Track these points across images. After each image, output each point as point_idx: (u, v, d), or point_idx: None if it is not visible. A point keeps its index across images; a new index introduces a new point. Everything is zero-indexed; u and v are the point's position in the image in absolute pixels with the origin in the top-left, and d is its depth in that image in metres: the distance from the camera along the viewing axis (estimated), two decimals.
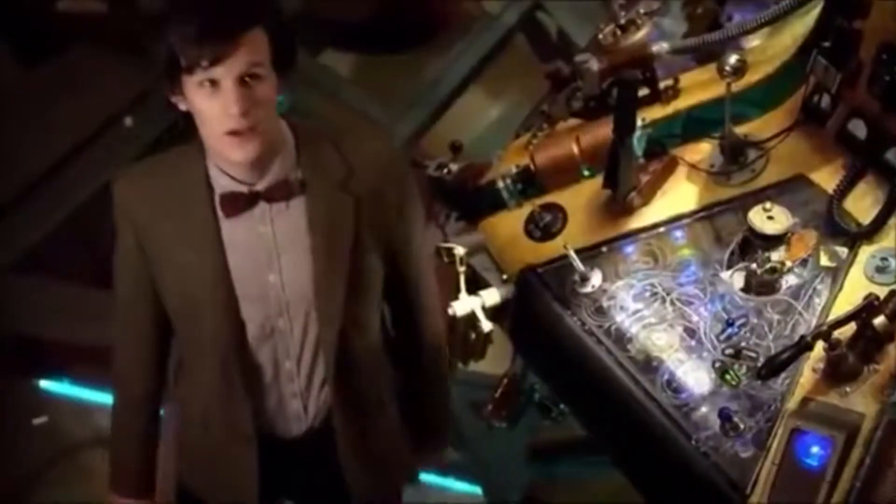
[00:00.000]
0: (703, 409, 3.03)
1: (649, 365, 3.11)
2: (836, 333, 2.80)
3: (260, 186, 2.72)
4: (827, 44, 3.08)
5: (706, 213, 3.25)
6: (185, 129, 2.71)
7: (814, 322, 3.01)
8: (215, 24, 2.50)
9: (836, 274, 3.05)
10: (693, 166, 3.30)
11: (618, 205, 3.31)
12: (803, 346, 2.81)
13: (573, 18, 5.69)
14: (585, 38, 5.53)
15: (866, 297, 2.81)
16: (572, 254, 3.21)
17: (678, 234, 3.26)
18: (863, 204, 3.07)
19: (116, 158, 5.11)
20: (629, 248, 3.28)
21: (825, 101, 3.14)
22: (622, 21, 3.69)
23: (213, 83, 2.53)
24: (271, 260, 2.77)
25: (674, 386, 3.07)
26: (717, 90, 3.37)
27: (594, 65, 3.45)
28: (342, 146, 2.78)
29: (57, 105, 5.44)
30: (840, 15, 3.03)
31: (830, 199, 3.08)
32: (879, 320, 2.78)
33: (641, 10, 3.70)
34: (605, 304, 3.21)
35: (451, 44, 6.14)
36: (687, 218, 3.26)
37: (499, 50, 5.94)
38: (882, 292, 2.89)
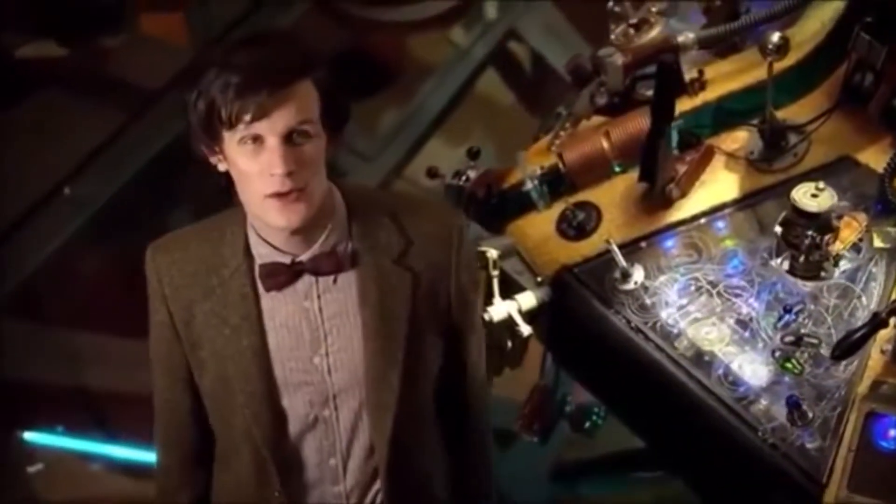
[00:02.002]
0: (764, 402, 2.90)
1: (701, 360, 2.99)
2: None
3: (304, 257, 2.44)
4: (869, 19, 2.98)
5: (749, 202, 3.15)
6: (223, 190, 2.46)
7: (873, 304, 2.89)
8: (260, 75, 2.25)
9: (893, 254, 2.94)
10: (731, 155, 3.18)
11: (655, 198, 3.19)
12: (878, 324, 2.70)
13: (550, 42, 5.62)
14: (561, 61, 5.58)
15: None
16: (615, 247, 3.08)
17: (720, 224, 3.15)
18: None
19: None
20: (669, 242, 3.16)
21: (867, 80, 3.04)
22: (634, 20, 3.59)
23: (257, 140, 2.28)
24: (317, 340, 2.48)
25: (730, 379, 2.95)
26: (745, 79, 3.31)
27: (618, 59, 3.35)
28: (400, 217, 2.50)
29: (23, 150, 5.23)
30: None
31: (882, 178, 2.99)
32: None
33: (653, 9, 3.60)
34: (648, 300, 3.08)
35: (411, 87, 6.04)
36: (729, 207, 3.16)
37: (473, 81, 5.85)
38: None
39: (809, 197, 2.91)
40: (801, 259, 2.93)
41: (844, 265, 2.97)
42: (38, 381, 4.51)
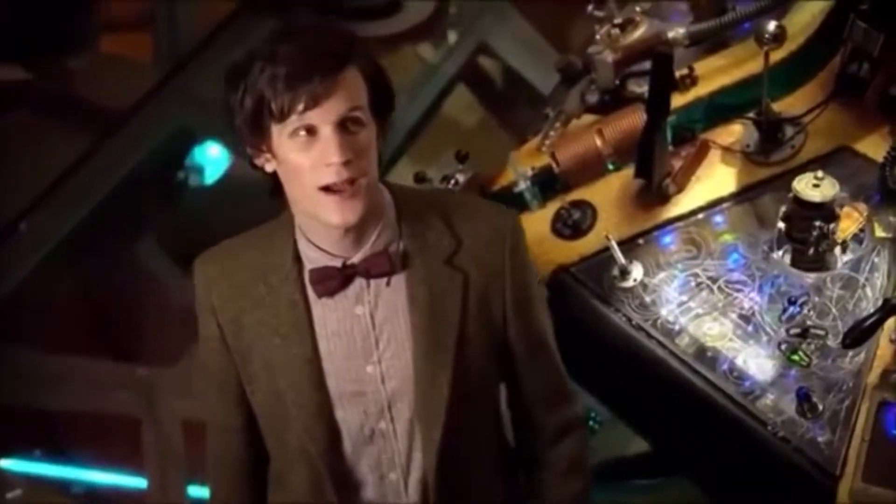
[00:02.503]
0: (771, 396, 2.87)
1: (704, 356, 2.95)
2: None
3: (356, 259, 2.37)
4: (864, 6, 2.95)
5: (747, 195, 3.12)
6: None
7: (878, 294, 2.86)
8: (310, 63, 2.21)
9: (895, 243, 2.91)
10: (727, 148, 3.14)
11: (651, 194, 3.14)
12: (889, 309, 2.66)
13: (522, 56, 5.58)
14: (535, 74, 5.55)
15: None
16: (614, 244, 3.03)
17: (718, 219, 3.11)
18: None
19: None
20: (667, 238, 3.12)
21: (863, 69, 3.01)
22: (618, 20, 3.54)
23: (310, 131, 2.23)
24: (369, 348, 2.40)
25: (735, 375, 2.91)
26: (737, 74, 3.29)
27: (608, 56, 3.31)
28: (450, 216, 2.43)
29: None
30: None
31: (882, 167, 2.96)
32: None
33: (638, 8, 3.57)
34: (647, 298, 3.04)
35: None
36: (726, 202, 3.12)
37: (443, 97, 5.79)
38: None
39: (812, 187, 2.87)
40: (810, 251, 2.88)
41: (847, 256, 2.93)
42: (14, 406, 4.39)
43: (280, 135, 2.25)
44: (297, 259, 2.40)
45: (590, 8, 3.59)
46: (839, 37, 3.06)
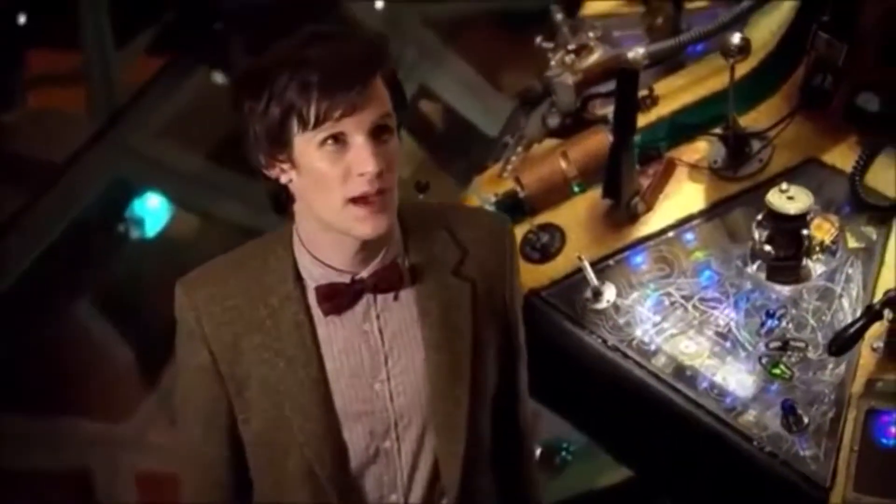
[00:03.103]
0: (754, 411, 2.82)
1: (683, 375, 2.89)
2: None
3: (365, 274, 2.28)
4: (826, 18, 2.95)
5: (716, 211, 3.07)
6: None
7: (855, 304, 2.83)
8: (347, 69, 2.12)
9: (869, 254, 2.90)
10: (694, 165, 3.11)
11: (620, 214, 3.10)
12: (873, 315, 2.62)
13: (463, 96, 5.56)
14: (477, 115, 5.53)
15: None
16: (586, 265, 2.98)
17: (689, 236, 3.07)
18: (886, 177, 2.94)
19: None
20: (639, 258, 3.07)
21: (827, 81, 3.01)
22: (572, 46, 3.52)
23: (340, 139, 2.14)
24: (377, 365, 2.32)
25: (716, 392, 2.86)
26: (698, 91, 3.29)
27: (568, 78, 3.28)
28: (452, 227, 2.38)
29: None
30: None
31: (852, 178, 2.94)
32: None
33: (591, 34, 3.55)
34: (621, 319, 2.98)
35: None
36: (697, 218, 3.08)
37: None
38: None
39: (786, 199, 2.84)
40: (785, 263, 2.85)
41: (821, 268, 2.90)
42: None
43: (307, 144, 2.16)
44: (298, 277, 2.31)
45: (538, 40, 3.57)
46: (801, 49, 3.05)
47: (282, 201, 2.28)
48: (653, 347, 2.94)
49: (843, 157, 3.00)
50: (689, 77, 3.34)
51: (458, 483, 2.36)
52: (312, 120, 2.12)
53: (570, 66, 3.34)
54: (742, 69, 3.09)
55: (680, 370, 2.89)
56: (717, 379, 2.86)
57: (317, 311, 2.30)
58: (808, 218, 2.86)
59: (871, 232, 2.92)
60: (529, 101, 3.38)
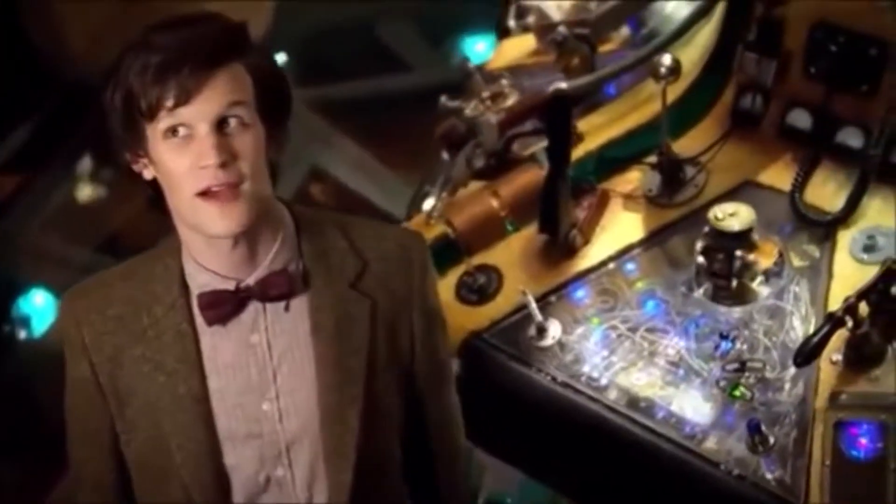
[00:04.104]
0: (715, 437, 2.73)
1: (638, 407, 2.78)
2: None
3: (251, 280, 2.11)
4: (751, 37, 2.94)
5: (656, 239, 3.01)
6: None
7: (806, 322, 2.77)
8: (182, 52, 1.97)
9: (814, 271, 2.85)
10: (629, 196, 3.05)
11: (558, 249, 3.02)
12: (836, 322, 2.56)
13: (356, 176, 5.49)
14: (372, 191, 5.45)
15: (884, 264, 2.59)
16: (531, 299, 2.87)
17: (630, 266, 2.99)
18: (825, 192, 2.92)
19: None
20: (580, 292, 2.98)
21: (756, 102, 2.99)
22: (486, 94, 3.46)
23: (184, 131, 1.99)
24: (266, 382, 2.14)
25: (674, 421, 2.75)
26: (623, 125, 3.27)
27: (492, 117, 3.21)
28: (353, 236, 2.20)
29: None
30: (764, 3, 2.91)
31: (792, 195, 2.91)
32: None
33: (504, 81, 3.49)
34: (568, 356, 2.88)
35: None
36: (636, 248, 3.01)
37: None
38: (875, 271, 2.68)
39: (728, 217, 2.78)
40: (733, 283, 2.78)
41: (768, 289, 2.84)
42: None
43: (154, 136, 2.01)
44: (185, 285, 2.13)
45: (442, 99, 3.50)
46: (727, 72, 3.05)
47: (158, 199, 2.12)
48: (603, 382, 2.84)
49: (779, 176, 2.97)
50: (610, 114, 3.32)
51: None
52: (146, 108, 1.98)
53: (490, 107, 3.27)
54: (669, 96, 3.05)
55: (634, 402, 2.79)
56: (674, 408, 2.77)
57: (202, 323, 2.14)
58: (753, 234, 2.80)
59: (814, 250, 2.88)
60: (452, 144, 3.27)
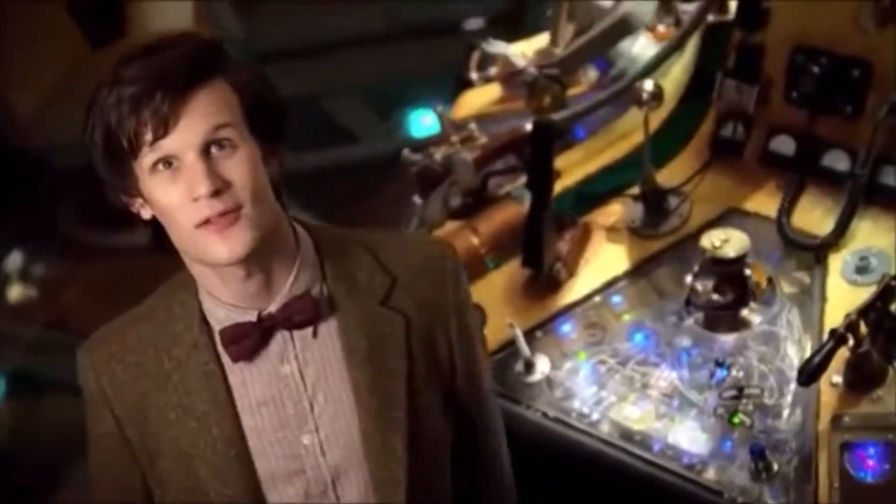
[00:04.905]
0: (713, 467, 2.65)
1: (633, 440, 2.70)
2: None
3: (273, 308, 1.97)
4: (731, 65, 2.92)
5: (642, 271, 2.95)
6: None
7: (800, 349, 2.71)
8: (154, 81, 1.84)
9: (806, 296, 2.79)
10: (612, 228, 3.00)
11: (541, 283, 2.95)
12: (839, 339, 2.49)
13: None
14: None
15: (881, 282, 2.54)
16: (519, 333, 2.79)
17: (616, 299, 2.93)
18: (812, 217, 2.87)
19: None
20: (566, 327, 2.91)
21: (737, 130, 2.96)
22: (456, 138, 3.41)
23: (171, 163, 1.86)
24: (302, 414, 2.01)
25: (671, 453, 2.66)
26: (600, 160, 3.24)
27: (468, 155, 3.15)
28: (378, 251, 2.06)
29: None
30: (742, 29, 2.89)
31: (779, 220, 2.86)
32: None
33: (472, 125, 3.45)
34: (557, 392, 2.81)
35: None
36: (622, 280, 2.95)
37: None
38: (871, 292, 2.63)
39: (721, 243, 2.72)
40: (728, 310, 2.71)
41: (760, 316, 2.78)
42: None
43: (142, 172, 1.88)
44: (205, 321, 2.00)
45: (405, 152, 3.46)
46: (706, 101, 3.01)
47: (160, 239, 1.99)
48: (595, 417, 2.76)
49: (764, 203, 2.93)
50: (584, 152, 3.29)
51: None
52: (127, 144, 1.86)
53: (465, 145, 3.22)
54: (650, 126, 3.02)
55: (628, 436, 2.70)
56: (670, 440, 2.69)
57: (228, 360, 2.01)
58: (746, 260, 2.74)
59: (804, 276, 2.82)
60: (427, 184, 3.21)
